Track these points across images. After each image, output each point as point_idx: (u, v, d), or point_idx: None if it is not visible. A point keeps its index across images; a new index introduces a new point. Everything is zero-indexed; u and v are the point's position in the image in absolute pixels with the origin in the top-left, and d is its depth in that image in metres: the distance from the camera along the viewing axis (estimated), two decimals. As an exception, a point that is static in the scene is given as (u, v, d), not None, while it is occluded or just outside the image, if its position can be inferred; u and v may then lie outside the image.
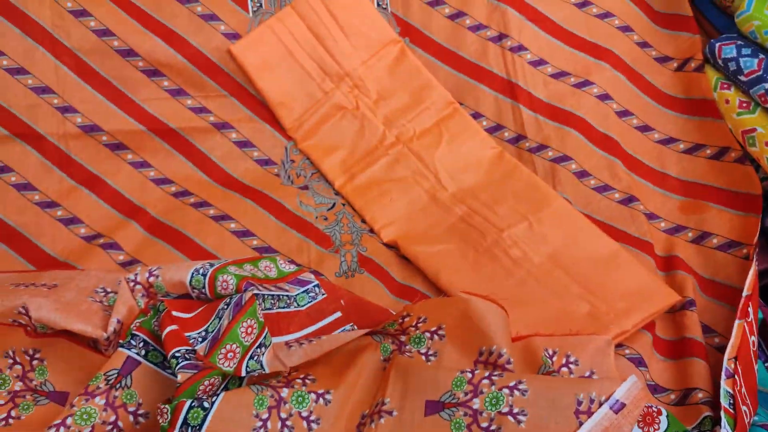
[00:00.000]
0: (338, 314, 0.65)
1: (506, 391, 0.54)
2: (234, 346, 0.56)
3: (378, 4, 0.90)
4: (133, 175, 0.81)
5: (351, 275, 0.76)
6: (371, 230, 0.81)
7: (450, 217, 0.81)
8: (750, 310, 0.67)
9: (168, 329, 0.57)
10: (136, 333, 0.60)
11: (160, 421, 0.53)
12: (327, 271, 0.76)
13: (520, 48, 0.89)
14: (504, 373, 0.56)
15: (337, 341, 0.59)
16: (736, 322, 0.66)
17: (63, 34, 0.81)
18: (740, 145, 0.83)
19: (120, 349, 0.59)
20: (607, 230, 0.78)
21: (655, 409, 0.57)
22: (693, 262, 0.79)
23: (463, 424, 0.54)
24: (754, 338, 0.66)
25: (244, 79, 0.86)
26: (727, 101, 0.84)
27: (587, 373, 0.63)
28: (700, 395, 0.64)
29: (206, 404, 0.53)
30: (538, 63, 0.90)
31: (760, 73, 0.79)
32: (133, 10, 0.83)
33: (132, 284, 0.64)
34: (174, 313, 0.59)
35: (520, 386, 0.54)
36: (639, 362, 0.67)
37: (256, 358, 0.56)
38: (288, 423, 0.55)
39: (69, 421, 0.54)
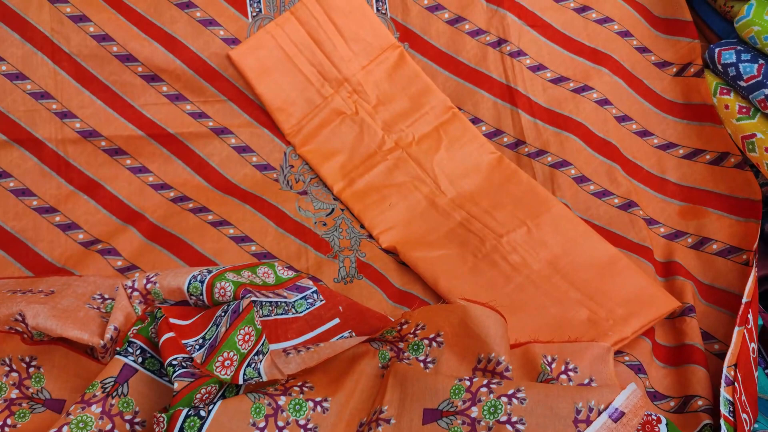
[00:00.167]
0: (336, 321, 0.65)
1: (504, 399, 0.54)
2: (231, 353, 0.56)
3: (377, 10, 0.90)
4: (131, 181, 0.81)
5: (350, 281, 0.76)
6: (370, 236, 0.81)
7: (449, 223, 0.81)
8: (750, 316, 0.67)
9: (165, 336, 0.57)
10: (133, 340, 0.59)
11: (156, 430, 0.53)
12: (325, 277, 0.76)
13: (520, 53, 0.89)
14: (503, 381, 0.56)
15: (335, 349, 0.59)
16: (736, 329, 0.66)
17: (62, 40, 0.81)
18: (740, 150, 0.83)
19: (117, 356, 0.58)
20: (606, 235, 0.78)
21: (655, 417, 0.57)
22: (692, 267, 0.78)
23: None
24: (754, 345, 0.66)
25: (243, 85, 0.86)
26: (727, 106, 0.84)
27: (586, 380, 0.63)
28: (700, 403, 0.64)
29: (203, 413, 0.53)
30: (538, 68, 0.89)
31: (760, 78, 0.79)
32: (132, 16, 0.83)
33: (129, 291, 0.64)
34: (171, 320, 0.59)
35: (519, 394, 0.54)
36: (638, 369, 0.67)
37: (253, 365, 0.56)
38: (285, 431, 0.55)
39: (65, 429, 0.54)
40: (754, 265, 0.73)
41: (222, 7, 0.86)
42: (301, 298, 0.65)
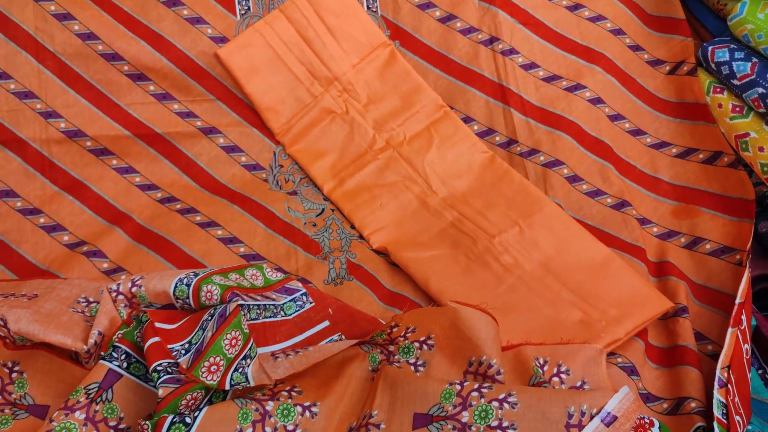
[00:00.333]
0: (326, 323, 0.64)
1: (495, 404, 0.53)
2: (218, 358, 0.55)
3: (368, 7, 0.89)
4: (118, 181, 0.80)
5: (339, 282, 0.75)
6: (360, 236, 0.80)
7: (440, 223, 0.80)
8: (743, 317, 0.66)
9: (150, 341, 0.56)
10: (118, 345, 0.58)
11: None
12: (315, 279, 0.75)
13: (512, 51, 0.88)
14: (494, 385, 0.55)
15: (325, 353, 0.58)
16: (729, 330, 0.65)
17: (46, 38, 0.80)
18: (733, 149, 0.82)
19: (101, 361, 0.57)
20: (599, 235, 0.78)
21: (648, 420, 0.56)
22: (685, 267, 0.78)
23: None
24: (747, 346, 0.65)
25: (232, 83, 0.85)
26: (720, 105, 0.83)
27: (579, 383, 0.62)
28: (693, 405, 0.63)
29: (188, 419, 0.52)
30: (530, 66, 0.89)
31: (753, 77, 0.79)
32: (117, 14, 0.81)
33: (114, 294, 0.62)
34: (157, 324, 0.58)
35: (510, 399, 0.53)
36: (631, 371, 0.66)
37: (240, 370, 0.55)
38: None
39: None
40: (748, 265, 0.72)
41: (210, 5, 0.85)
42: (290, 301, 0.64)
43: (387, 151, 0.85)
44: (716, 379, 0.61)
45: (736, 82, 0.80)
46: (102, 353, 0.59)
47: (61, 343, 0.58)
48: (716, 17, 0.89)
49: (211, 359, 0.55)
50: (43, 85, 0.79)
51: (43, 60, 0.79)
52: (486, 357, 0.59)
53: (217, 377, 0.54)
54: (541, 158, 0.84)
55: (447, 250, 0.77)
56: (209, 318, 0.58)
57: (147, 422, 0.52)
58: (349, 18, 0.88)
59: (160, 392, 0.53)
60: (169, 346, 0.56)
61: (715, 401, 0.59)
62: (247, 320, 0.60)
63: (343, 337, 0.63)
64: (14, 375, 0.61)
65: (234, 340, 0.56)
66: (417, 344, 0.62)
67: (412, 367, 0.61)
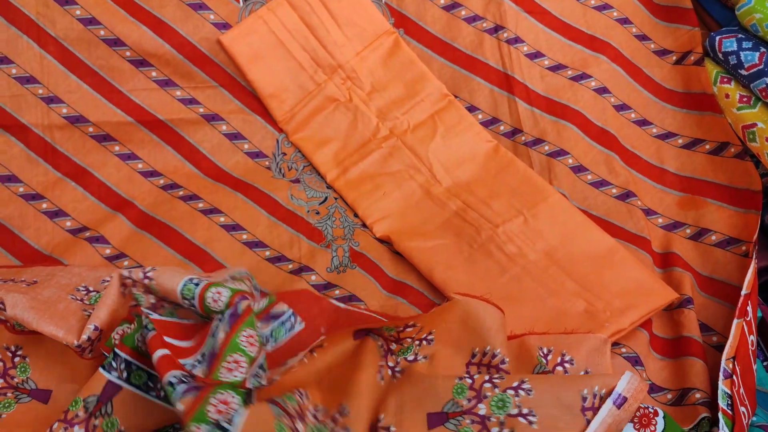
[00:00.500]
0: (322, 338, 0.60)
1: (511, 392, 0.53)
2: (237, 356, 0.52)
3: (372, -6, 0.88)
4: (120, 168, 0.79)
5: (343, 270, 0.75)
6: (364, 225, 0.79)
7: (444, 212, 0.79)
8: (749, 308, 0.66)
9: (160, 353, 0.52)
10: (118, 352, 0.55)
11: None
12: (318, 266, 0.74)
13: (517, 40, 0.88)
14: (504, 375, 0.55)
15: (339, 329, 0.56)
16: (735, 321, 0.65)
17: (48, 23, 0.79)
18: (740, 140, 0.81)
19: (100, 370, 0.55)
20: (603, 226, 0.77)
21: (652, 410, 0.56)
22: (691, 259, 0.77)
23: None
24: (753, 337, 0.65)
25: (235, 70, 0.84)
26: (727, 95, 0.82)
27: (582, 372, 0.61)
28: (698, 395, 0.63)
29: (225, 424, 0.47)
30: (535, 56, 0.88)
31: (761, 67, 0.78)
32: (120, -1, 0.81)
33: (130, 281, 0.59)
34: (167, 338, 0.55)
35: (524, 386, 0.53)
36: (635, 361, 0.66)
37: (255, 377, 0.53)
38: None
39: None
40: (754, 256, 0.72)
41: (212, -10, 0.84)
42: (278, 325, 0.59)
43: (391, 140, 0.84)
44: (721, 369, 0.61)
45: (743, 72, 0.80)
46: (103, 356, 0.57)
47: (52, 334, 0.56)
48: (724, 7, 0.88)
49: (230, 358, 0.52)
50: (45, 71, 0.78)
51: (44, 45, 0.79)
52: (490, 347, 0.59)
53: (240, 374, 0.51)
54: (546, 148, 0.84)
55: (451, 240, 0.76)
56: (218, 322, 0.56)
57: None
58: (352, 5, 0.87)
59: (180, 407, 0.48)
60: (181, 361, 0.53)
61: (720, 392, 0.59)
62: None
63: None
64: (17, 359, 0.61)
65: (251, 338, 0.53)
66: (417, 342, 0.61)
67: (410, 361, 0.60)
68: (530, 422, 0.51)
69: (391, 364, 0.60)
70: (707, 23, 0.91)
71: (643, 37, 0.90)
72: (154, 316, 0.57)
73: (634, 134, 0.86)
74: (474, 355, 0.59)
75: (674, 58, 0.89)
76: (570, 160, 0.83)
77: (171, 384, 0.49)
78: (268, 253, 0.76)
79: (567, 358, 0.62)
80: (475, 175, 0.82)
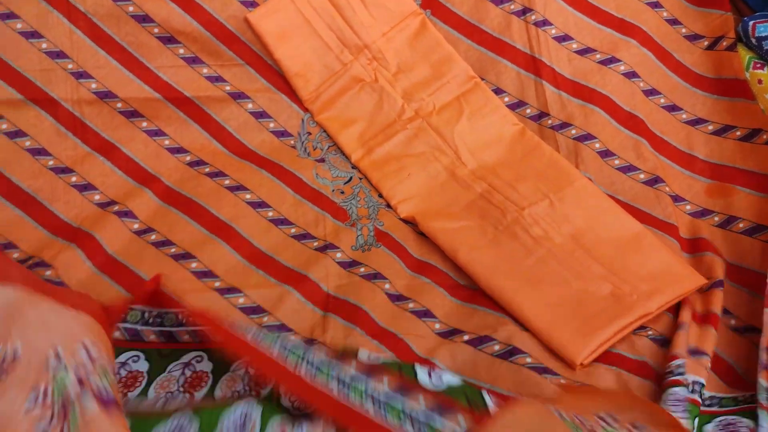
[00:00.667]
0: None
1: None
2: None
3: (399, -25, 0.88)
4: (147, 143, 0.80)
5: (368, 249, 0.75)
6: (388, 205, 0.79)
7: (469, 194, 0.79)
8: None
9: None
10: None
11: None
12: (343, 245, 0.74)
13: (545, 23, 0.87)
14: None
15: None
16: (765, 309, 0.64)
17: (78, -2, 0.79)
18: (772, 126, 0.80)
19: None
20: (631, 211, 0.76)
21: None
22: (718, 246, 0.76)
23: None
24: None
25: (261, 49, 0.84)
26: (760, 81, 0.81)
27: None
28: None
29: None
30: (563, 38, 0.87)
31: (797, 51, 0.76)
32: (149, -25, 0.81)
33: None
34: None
35: None
36: (662, 343, 0.65)
37: None
38: None
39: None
40: (784, 243, 0.71)
41: (241, -32, 0.84)
42: None
43: (416, 121, 0.84)
44: (759, 361, 0.60)
45: (778, 57, 0.78)
46: None
47: None
48: (758, -9, 0.86)
49: None
50: (75, 46, 0.79)
51: (74, 20, 0.79)
52: None
53: None
54: (573, 132, 0.83)
55: (475, 222, 0.76)
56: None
57: None
58: (379, -15, 0.86)
59: None
60: None
61: (759, 386, 0.58)
62: None
63: None
64: None
65: None
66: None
67: None
68: None
69: None
70: (739, 8, 0.89)
71: (674, 22, 0.89)
72: None
73: (663, 120, 0.85)
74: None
75: (706, 43, 0.87)
76: (597, 145, 0.82)
77: None
78: (293, 230, 0.76)
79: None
80: (500, 158, 0.82)
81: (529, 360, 0.63)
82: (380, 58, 0.86)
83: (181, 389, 0.57)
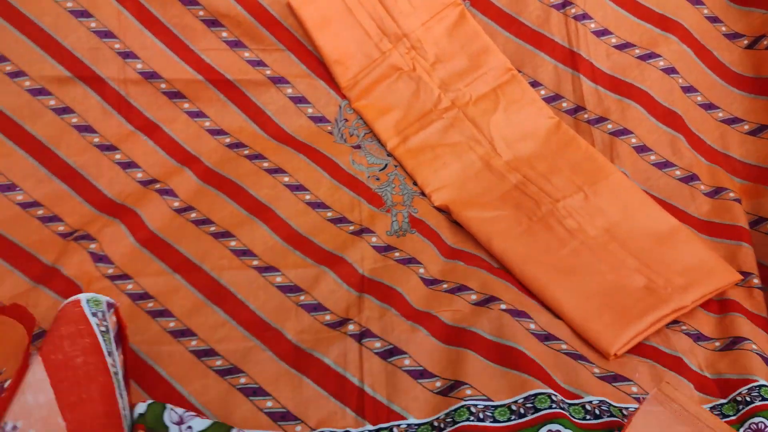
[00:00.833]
0: None
1: None
2: None
3: (440, -35, 0.88)
4: (189, 124, 0.81)
5: (402, 234, 0.76)
6: (422, 193, 0.80)
7: (504, 185, 0.80)
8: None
9: None
10: None
11: None
12: (378, 230, 0.76)
13: (584, 16, 0.87)
14: None
15: None
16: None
17: (126, -21, 0.81)
18: (811, 127, 0.80)
19: None
20: (665, 207, 0.76)
21: None
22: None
23: None
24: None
25: (302, 35, 0.85)
26: (801, 81, 0.81)
27: None
28: (752, 346, 0.63)
29: None
30: (602, 33, 0.87)
31: (841, 52, 0.76)
32: (196, -42, 0.82)
33: None
34: None
35: None
36: (697, 337, 0.66)
37: None
38: None
39: None
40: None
41: (285, -46, 0.85)
42: None
43: (452, 111, 0.84)
44: None
45: (821, 57, 0.78)
46: None
47: None
48: (801, -9, 0.85)
49: None
50: (123, 26, 0.81)
51: (123, 1, 0.81)
52: None
53: None
54: (609, 126, 0.83)
55: (510, 212, 0.77)
56: None
57: None
58: (420, -25, 0.87)
59: None
60: None
61: None
62: None
63: None
64: None
65: None
66: None
67: None
68: None
69: None
70: (782, 8, 0.89)
71: (714, 19, 0.88)
72: None
73: (700, 117, 0.85)
74: None
75: (746, 42, 0.87)
76: (633, 140, 0.82)
77: None
78: (330, 214, 0.77)
79: None
80: (536, 150, 0.82)
81: (564, 346, 0.64)
82: (418, 48, 0.87)
83: None
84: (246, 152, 0.81)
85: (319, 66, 0.86)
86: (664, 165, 0.81)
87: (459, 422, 0.57)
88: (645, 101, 0.83)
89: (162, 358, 0.64)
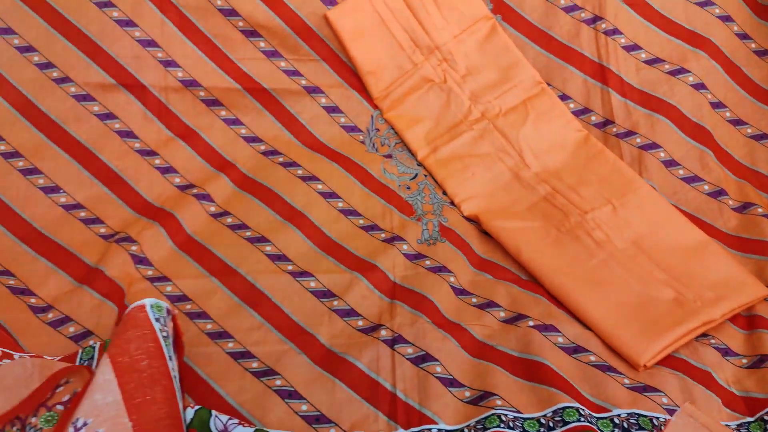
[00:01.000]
0: None
1: None
2: None
3: (473, -20, 0.90)
4: (225, 131, 0.84)
5: (433, 243, 0.77)
6: (452, 202, 0.82)
7: (532, 196, 0.81)
8: None
9: None
10: None
11: None
12: (409, 238, 0.77)
13: (615, 32, 0.88)
14: None
15: None
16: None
17: (170, -9, 0.84)
18: (842, 145, 0.80)
19: None
20: (693, 222, 0.77)
21: None
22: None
23: None
24: None
25: (337, 46, 0.88)
26: (832, 99, 0.81)
27: None
28: None
29: None
30: (632, 48, 0.88)
31: None
32: (237, -29, 0.85)
33: None
34: None
35: None
36: (726, 352, 0.66)
37: None
38: None
39: None
40: None
41: (322, -33, 0.87)
42: None
43: (482, 123, 0.86)
44: None
45: None
46: None
47: None
48: (833, 9, 0.86)
49: None
50: (165, 35, 0.83)
51: (166, 11, 0.83)
52: None
53: None
54: (638, 140, 0.84)
55: (539, 223, 0.78)
56: None
57: None
58: (453, -11, 0.89)
59: None
60: None
61: None
62: None
63: None
64: None
65: None
66: None
67: None
68: None
69: None
70: (812, 26, 0.89)
71: (744, 36, 0.89)
72: None
73: (728, 133, 0.85)
74: None
75: (775, 58, 0.88)
76: (662, 154, 0.83)
77: None
78: (362, 221, 0.79)
79: None
80: (564, 162, 0.83)
81: (593, 358, 0.65)
82: (450, 60, 0.88)
83: None
84: (281, 159, 0.83)
85: (353, 76, 0.88)
86: (692, 179, 0.82)
87: (489, 428, 0.58)
88: (674, 116, 0.84)
89: (200, 359, 0.65)
